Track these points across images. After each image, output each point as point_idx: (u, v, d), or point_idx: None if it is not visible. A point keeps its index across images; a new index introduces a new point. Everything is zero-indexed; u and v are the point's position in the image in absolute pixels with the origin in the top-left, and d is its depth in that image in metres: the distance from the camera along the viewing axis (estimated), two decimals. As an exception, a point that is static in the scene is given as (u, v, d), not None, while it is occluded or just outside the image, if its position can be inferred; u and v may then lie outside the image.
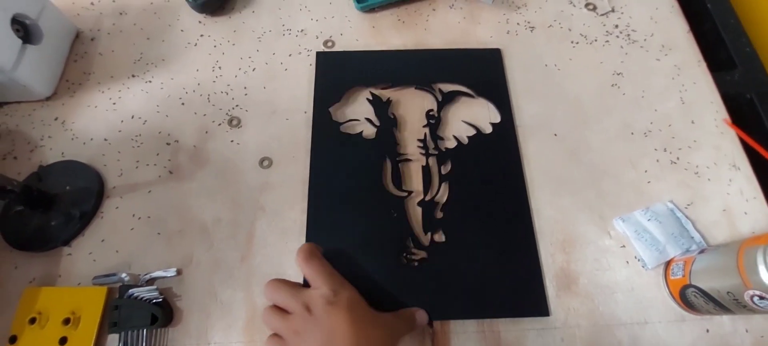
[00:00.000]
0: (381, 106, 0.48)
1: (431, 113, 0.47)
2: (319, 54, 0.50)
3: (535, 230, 0.40)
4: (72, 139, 0.45)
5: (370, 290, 0.37)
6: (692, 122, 0.45)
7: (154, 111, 0.46)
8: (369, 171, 0.44)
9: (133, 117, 0.46)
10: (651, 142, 0.44)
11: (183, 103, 0.46)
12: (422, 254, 0.39)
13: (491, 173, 0.44)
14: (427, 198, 0.43)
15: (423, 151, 0.45)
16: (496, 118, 0.46)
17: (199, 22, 0.52)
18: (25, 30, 0.45)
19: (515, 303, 0.37)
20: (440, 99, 0.48)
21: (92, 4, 0.54)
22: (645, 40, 0.50)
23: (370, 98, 0.48)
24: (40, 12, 0.46)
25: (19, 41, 0.44)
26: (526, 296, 0.38)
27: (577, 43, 0.50)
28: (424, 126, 0.46)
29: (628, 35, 0.51)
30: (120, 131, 0.45)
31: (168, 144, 0.44)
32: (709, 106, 0.46)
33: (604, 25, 0.51)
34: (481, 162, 0.44)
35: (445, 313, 0.37)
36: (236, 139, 0.44)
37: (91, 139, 0.45)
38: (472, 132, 0.46)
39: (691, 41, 0.50)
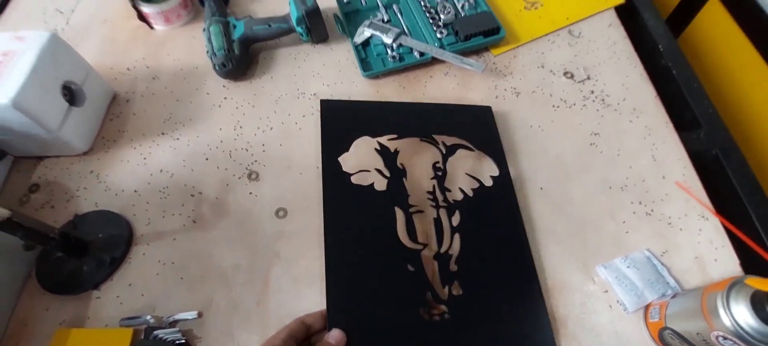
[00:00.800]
0: (389, 157, 0.49)
1: (438, 166, 0.49)
2: (323, 101, 0.52)
3: (539, 280, 0.43)
4: (105, 190, 0.50)
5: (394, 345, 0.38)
6: (663, 177, 0.50)
7: (180, 165, 0.51)
8: (383, 223, 0.44)
9: (161, 171, 0.51)
10: (628, 196, 0.49)
11: (207, 159, 0.52)
12: (442, 308, 0.40)
13: (496, 225, 0.46)
14: (442, 250, 0.43)
15: (433, 203, 0.46)
16: (495, 171, 0.49)
17: (223, 86, 0.58)
18: (71, 94, 0.51)
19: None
20: (444, 151, 0.50)
21: (128, 69, 0.60)
22: (618, 104, 0.57)
23: (378, 149, 0.49)
24: (85, 78, 0.52)
25: (66, 104, 0.49)
26: (535, 338, 0.40)
27: (558, 106, 0.57)
28: (432, 178, 0.48)
29: (603, 100, 0.57)
30: (149, 184, 0.50)
31: (192, 196, 0.49)
32: (677, 163, 0.51)
33: (582, 91, 0.58)
34: (486, 214, 0.46)
35: None
36: (254, 191, 0.49)
37: (123, 190, 0.49)
38: (475, 185, 0.48)
39: (659, 105, 0.57)
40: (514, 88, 0.59)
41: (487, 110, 0.55)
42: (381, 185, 0.47)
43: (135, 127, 0.55)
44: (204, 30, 0.59)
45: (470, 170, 0.49)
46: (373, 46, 0.61)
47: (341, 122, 0.51)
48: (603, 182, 0.50)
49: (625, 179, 0.50)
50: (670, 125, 0.55)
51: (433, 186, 0.47)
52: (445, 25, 0.62)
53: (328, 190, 0.46)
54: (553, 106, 0.57)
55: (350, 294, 0.40)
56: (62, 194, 0.50)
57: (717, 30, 0.80)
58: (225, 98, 0.57)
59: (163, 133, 0.54)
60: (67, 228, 0.46)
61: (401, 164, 0.48)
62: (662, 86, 0.59)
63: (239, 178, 0.50)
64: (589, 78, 0.59)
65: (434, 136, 0.51)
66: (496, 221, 0.46)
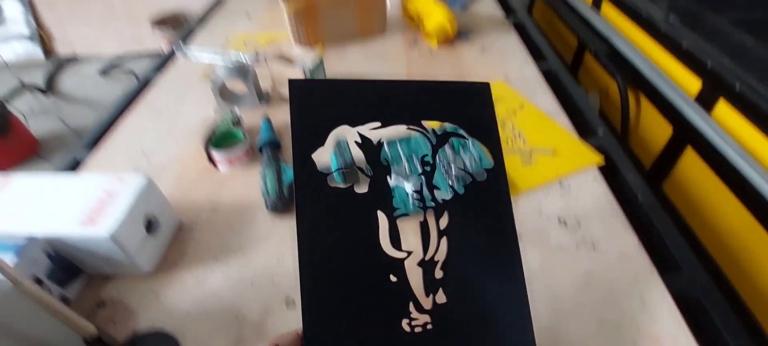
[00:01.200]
0: (372, 152, 0.43)
1: (426, 159, 0.44)
2: (292, 81, 0.43)
3: (524, 280, 0.40)
4: (161, 309, 0.57)
5: None
6: (652, 318, 0.57)
7: (229, 289, 0.59)
8: (363, 230, 0.40)
9: (212, 294, 0.59)
10: (622, 335, 0.55)
11: (252, 285, 0.60)
12: (425, 319, 0.38)
13: (487, 224, 0.42)
14: (427, 257, 0.40)
15: (420, 204, 0.42)
16: (490, 162, 0.45)
17: (272, 221, 0.69)
18: (150, 225, 0.62)
19: None
20: (434, 141, 0.45)
21: (194, 202, 0.72)
22: (606, 250, 0.66)
23: (359, 142, 0.43)
24: (161, 211, 0.64)
25: (145, 233, 0.60)
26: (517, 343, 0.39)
27: (555, 251, 0.66)
28: (420, 174, 0.43)
29: (593, 245, 0.66)
30: (201, 305, 0.57)
31: (237, 318, 0.56)
32: (664, 305, 0.58)
33: (574, 237, 0.68)
34: (477, 212, 0.42)
35: None
36: (290, 317, 0.56)
37: (177, 310, 0.57)
38: (468, 180, 0.44)
39: (642, 251, 0.65)
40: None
41: (484, 88, 0.48)
42: (362, 185, 0.42)
43: (194, 253, 0.64)
44: (260, 173, 0.73)
45: (463, 163, 0.44)
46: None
47: (315, 108, 0.44)
48: (600, 320, 0.56)
49: (619, 318, 0.57)
50: (655, 271, 0.63)
51: (421, 184, 0.43)
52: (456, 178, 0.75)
53: (300, 195, 0.40)
54: (551, 249, 0.66)
55: (328, 312, 0.38)
56: (124, 311, 0.57)
57: (696, 175, 0.93)
58: (272, 231, 0.68)
59: (216, 259, 0.63)
60: (127, 344, 0.53)
61: (385, 160, 0.43)
62: (644, 233, 0.69)
63: (278, 304, 0.58)
64: (579, 225, 0.69)
65: (423, 122, 0.45)
66: (487, 219, 0.42)
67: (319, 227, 0.39)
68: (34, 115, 1.96)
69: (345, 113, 0.43)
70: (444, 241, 0.41)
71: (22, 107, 1.99)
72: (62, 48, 2.81)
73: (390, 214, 0.41)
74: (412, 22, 1.36)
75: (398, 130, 0.44)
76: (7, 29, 2.55)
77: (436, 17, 1.22)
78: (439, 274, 0.40)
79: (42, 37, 2.69)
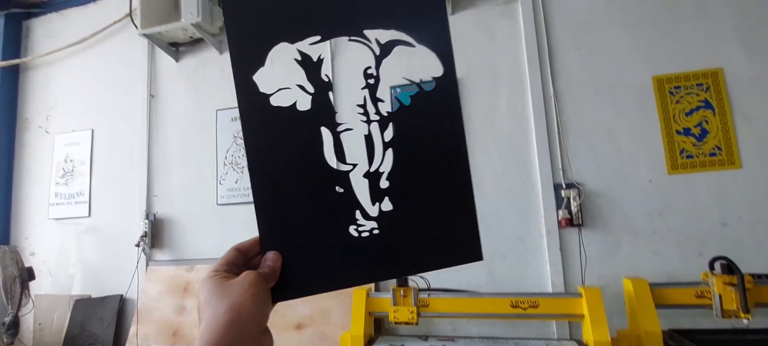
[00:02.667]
0: (313, 68, 0.43)
1: (369, 72, 0.43)
2: None
3: (472, 189, 0.41)
4: None
5: (327, 266, 0.39)
6: None
7: None
8: (308, 146, 0.41)
9: None
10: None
11: None
12: (372, 225, 0.40)
13: (435, 135, 0.42)
14: (372, 169, 0.41)
15: (364, 118, 0.42)
16: (439, 70, 0.43)
17: None
18: None
19: (454, 255, 0.40)
20: (378, 52, 0.43)
21: None
22: None
23: (299, 59, 0.43)
24: None
25: None
26: (463, 247, 0.41)
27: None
28: (363, 88, 0.43)
29: None
30: None
31: None
32: None
33: None
34: (425, 123, 0.42)
35: (397, 273, 0.40)
36: None
37: None
38: (414, 90, 0.43)
39: None
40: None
41: None
42: (304, 103, 0.42)
43: None
44: None
45: (408, 73, 0.44)
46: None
47: (251, 22, 0.42)
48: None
49: None
50: None
51: (364, 97, 0.43)
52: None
53: (245, 118, 0.42)
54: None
55: (279, 220, 0.40)
56: None
57: None
58: None
59: None
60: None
61: (326, 75, 0.43)
62: None
63: None
64: None
65: (366, 31, 0.43)
66: (435, 130, 0.43)
67: (266, 144, 0.41)
68: None
69: (283, 29, 0.42)
70: (389, 152, 0.42)
71: None
72: None
73: (334, 129, 0.42)
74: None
75: (339, 42, 0.43)
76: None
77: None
78: (384, 184, 0.42)
79: None
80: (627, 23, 2.42)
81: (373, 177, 0.41)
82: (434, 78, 0.43)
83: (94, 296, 3.11)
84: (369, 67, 0.43)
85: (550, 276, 2.37)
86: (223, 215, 2.96)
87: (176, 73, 3.18)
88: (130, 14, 3.12)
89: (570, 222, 2.34)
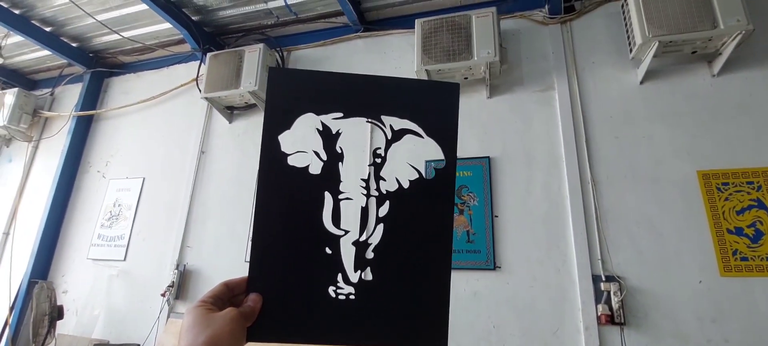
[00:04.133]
0: (330, 139, 0.48)
1: (378, 152, 0.48)
2: (271, 69, 0.50)
3: (450, 280, 0.44)
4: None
5: (301, 318, 0.41)
6: None
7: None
8: (310, 206, 0.46)
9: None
10: None
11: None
12: (350, 290, 0.44)
13: (425, 220, 0.46)
14: (362, 239, 0.45)
15: (364, 192, 0.46)
16: (441, 163, 0.48)
17: None
18: None
19: (419, 338, 0.42)
20: (390, 136, 0.48)
21: None
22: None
23: (320, 129, 0.48)
24: None
25: None
26: (430, 332, 0.42)
27: None
28: (370, 165, 0.47)
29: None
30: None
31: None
32: None
33: None
34: (419, 208, 0.46)
35: (361, 341, 0.42)
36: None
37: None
38: (415, 175, 0.47)
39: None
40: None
41: (453, 89, 0.50)
42: (316, 167, 0.47)
43: None
44: None
45: (413, 160, 0.48)
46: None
47: (288, 93, 0.48)
48: None
49: None
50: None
51: (369, 174, 0.47)
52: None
53: (263, 169, 0.46)
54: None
55: (269, 266, 0.44)
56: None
57: None
58: None
59: None
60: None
61: (340, 148, 0.48)
62: None
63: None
64: None
65: (383, 116, 0.48)
66: (427, 217, 0.46)
67: (275, 196, 0.46)
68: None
69: (313, 102, 0.48)
70: (380, 227, 0.46)
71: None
72: None
73: (335, 196, 0.46)
74: None
75: (357, 122, 0.48)
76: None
77: None
78: (369, 255, 0.45)
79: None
80: (666, 118, 2.43)
81: (360, 246, 0.45)
82: (436, 169, 0.47)
83: (112, 342, 3.10)
84: (379, 148, 0.48)
85: (589, 379, 2.14)
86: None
87: (227, 133, 3.44)
88: (196, 79, 3.49)
89: (610, 319, 2.17)
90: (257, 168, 0.48)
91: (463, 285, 2.48)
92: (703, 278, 2.14)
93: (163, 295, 2.98)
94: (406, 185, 0.47)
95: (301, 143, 0.47)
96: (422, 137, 0.48)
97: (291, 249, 0.45)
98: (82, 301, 3.36)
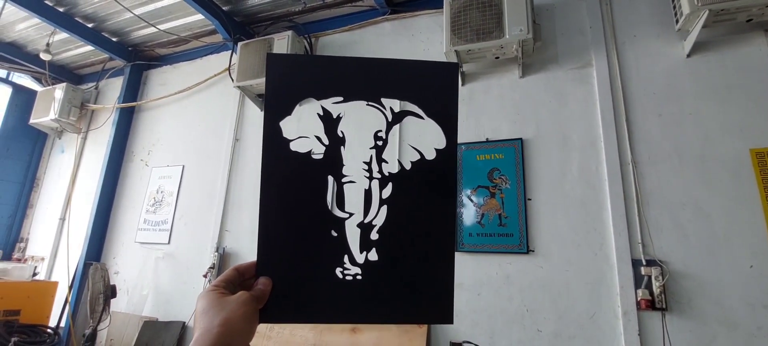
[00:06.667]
0: (331, 124, 0.48)
1: (379, 135, 0.48)
2: (269, 55, 0.49)
3: (454, 259, 0.45)
4: None
5: (311, 299, 0.43)
6: None
7: None
8: (315, 190, 0.47)
9: None
10: None
11: None
12: (356, 270, 0.45)
13: (428, 200, 0.46)
14: (366, 220, 0.46)
15: (367, 174, 0.47)
16: (442, 142, 0.47)
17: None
18: None
19: (426, 314, 0.43)
20: (390, 119, 0.49)
21: None
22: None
23: (321, 113, 0.48)
24: None
25: None
26: (437, 308, 0.43)
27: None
28: (371, 148, 0.48)
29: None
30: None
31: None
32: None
33: None
34: (421, 188, 0.47)
35: (371, 320, 0.44)
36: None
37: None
38: (416, 157, 0.47)
39: None
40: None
41: (452, 68, 0.50)
42: (318, 151, 0.48)
43: None
44: None
45: (414, 141, 0.48)
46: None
47: (287, 80, 0.49)
48: None
49: None
50: None
51: (371, 156, 0.48)
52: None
53: (266, 155, 0.48)
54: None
55: (277, 250, 0.46)
56: None
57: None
58: None
59: None
60: None
61: (341, 132, 0.48)
62: None
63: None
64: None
65: (383, 99, 0.49)
66: (430, 197, 0.46)
67: (279, 182, 0.47)
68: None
69: (312, 87, 0.48)
70: (384, 209, 0.46)
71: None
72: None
73: (339, 179, 0.47)
74: None
75: (357, 105, 0.49)
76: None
77: None
78: (374, 236, 0.46)
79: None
80: (716, 93, 2.27)
81: (365, 228, 0.46)
82: (437, 149, 0.47)
83: (160, 319, 3.31)
84: (380, 131, 0.49)
85: (626, 364, 2.10)
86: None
87: (260, 120, 3.52)
88: (229, 68, 3.58)
89: (651, 305, 2.10)
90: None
91: (495, 269, 2.47)
92: (755, 263, 2.02)
93: (204, 276, 3.14)
94: (408, 166, 0.47)
95: (303, 129, 0.48)
96: (422, 118, 0.48)
97: (297, 233, 0.46)
98: (132, 281, 3.60)
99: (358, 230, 0.46)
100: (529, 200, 2.49)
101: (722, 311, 2.03)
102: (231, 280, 0.46)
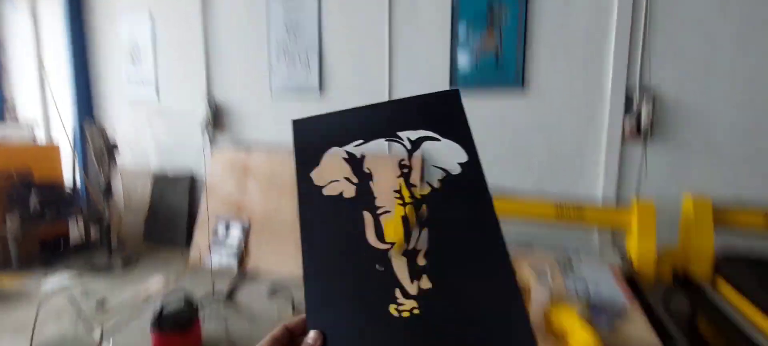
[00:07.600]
0: (356, 164, 0.50)
1: (403, 163, 0.49)
2: (294, 121, 0.53)
3: (512, 265, 0.42)
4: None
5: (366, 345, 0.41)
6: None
7: None
8: (352, 228, 0.47)
9: None
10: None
11: None
12: (412, 304, 0.42)
13: (466, 213, 0.45)
14: (410, 247, 0.45)
15: (400, 202, 0.47)
16: (463, 157, 0.49)
17: None
18: None
19: (504, 341, 0.40)
20: (410, 147, 0.50)
21: None
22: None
23: (346, 157, 0.51)
24: None
25: None
26: (512, 331, 0.40)
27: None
28: (399, 176, 0.49)
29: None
30: None
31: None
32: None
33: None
34: (455, 203, 0.46)
35: None
36: None
37: None
38: (442, 175, 0.48)
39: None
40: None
41: (452, 95, 0.52)
42: (350, 192, 0.49)
43: None
44: None
45: (437, 161, 0.49)
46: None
47: (312, 137, 0.52)
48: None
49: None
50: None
51: (400, 184, 0.49)
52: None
53: (302, 207, 0.49)
54: None
55: (324, 298, 0.44)
56: None
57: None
58: None
59: None
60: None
61: (368, 168, 0.50)
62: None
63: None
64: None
65: (399, 133, 0.51)
66: (466, 208, 0.46)
67: (317, 229, 0.48)
68: (209, 318, 2.18)
69: (335, 138, 0.52)
70: (425, 232, 0.46)
71: (205, 309, 2.22)
72: (252, 262, 2.91)
73: (374, 212, 0.48)
74: (554, 337, 1.16)
75: (377, 143, 0.51)
76: (222, 246, 2.95)
77: (580, 337, 1.05)
78: (421, 261, 0.45)
79: (242, 254, 2.91)
80: None
81: (410, 255, 0.44)
82: (460, 163, 0.48)
83: (169, 173, 3.49)
84: (403, 159, 0.50)
85: (602, 188, 2.27)
86: (277, 105, 3.06)
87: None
88: None
89: (637, 131, 2.14)
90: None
91: (489, 110, 2.46)
92: (754, 93, 1.99)
93: (206, 128, 3.18)
94: (436, 185, 0.47)
95: (332, 174, 0.49)
96: (439, 140, 0.50)
97: (342, 275, 0.45)
98: (131, 139, 3.66)
99: (404, 259, 0.45)
100: (529, 33, 2.33)
101: (706, 140, 2.09)
102: (279, 338, 0.43)
